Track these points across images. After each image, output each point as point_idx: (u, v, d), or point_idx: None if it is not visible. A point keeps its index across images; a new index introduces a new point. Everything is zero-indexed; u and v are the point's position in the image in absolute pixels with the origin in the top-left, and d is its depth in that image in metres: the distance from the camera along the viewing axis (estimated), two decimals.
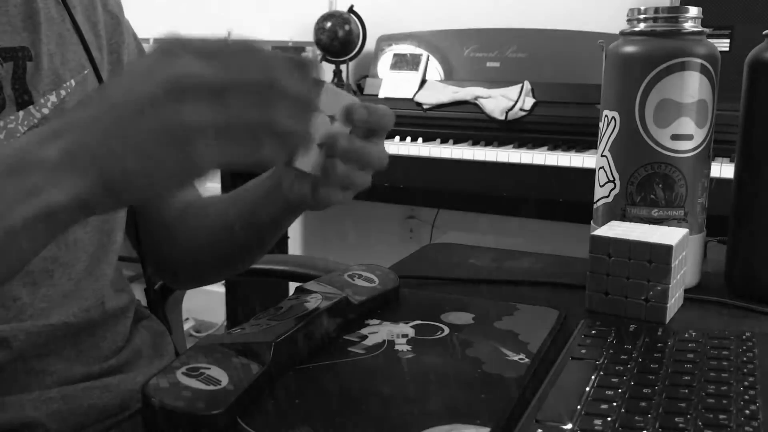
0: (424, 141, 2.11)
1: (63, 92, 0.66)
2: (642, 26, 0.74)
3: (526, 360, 0.57)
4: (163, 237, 0.81)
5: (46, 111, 0.64)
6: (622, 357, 0.55)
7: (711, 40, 0.74)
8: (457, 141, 2.09)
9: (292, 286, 0.72)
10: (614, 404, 0.47)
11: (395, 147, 2.10)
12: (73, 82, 0.67)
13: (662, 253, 0.65)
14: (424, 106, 2.17)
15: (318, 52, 2.57)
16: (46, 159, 0.44)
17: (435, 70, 2.37)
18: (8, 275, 0.50)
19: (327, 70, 2.60)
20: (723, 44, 1.91)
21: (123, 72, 0.47)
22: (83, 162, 0.44)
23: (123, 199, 0.51)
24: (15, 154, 0.45)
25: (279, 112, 0.46)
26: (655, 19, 0.73)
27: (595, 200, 0.79)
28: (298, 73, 0.47)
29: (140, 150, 0.44)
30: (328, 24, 2.49)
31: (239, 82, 0.45)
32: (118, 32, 0.75)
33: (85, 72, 0.69)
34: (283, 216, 0.70)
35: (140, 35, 0.81)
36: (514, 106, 2.02)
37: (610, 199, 0.76)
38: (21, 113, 0.62)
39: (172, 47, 0.45)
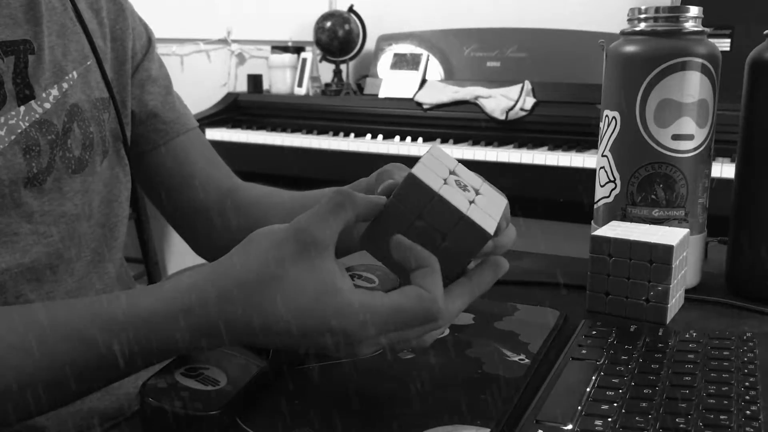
0: (424, 141, 2.10)
1: (65, 85, 0.65)
2: (643, 26, 0.74)
3: (527, 360, 0.57)
4: (199, 220, 0.81)
5: (47, 105, 0.63)
6: (623, 357, 0.55)
7: (712, 40, 0.74)
8: (457, 141, 2.09)
9: None
10: (615, 405, 0.47)
11: (395, 147, 2.11)
12: (75, 74, 0.66)
13: (663, 253, 0.65)
14: (424, 106, 2.17)
15: (318, 51, 2.57)
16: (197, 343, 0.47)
17: (435, 69, 2.37)
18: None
19: (327, 70, 2.60)
20: (724, 44, 1.91)
21: (295, 336, 0.46)
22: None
23: None
24: (167, 340, 0.47)
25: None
26: (655, 19, 0.73)
27: (595, 200, 0.79)
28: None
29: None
30: (328, 23, 2.49)
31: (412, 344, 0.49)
32: (122, 18, 0.74)
33: (88, 63, 0.68)
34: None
35: None
36: (514, 105, 2.02)
37: (610, 199, 0.76)
38: (22, 108, 0.61)
39: (356, 339, 0.45)
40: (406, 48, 2.43)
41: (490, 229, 0.47)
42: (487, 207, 0.49)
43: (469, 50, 2.33)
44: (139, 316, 0.46)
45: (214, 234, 0.80)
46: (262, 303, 0.45)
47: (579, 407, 0.47)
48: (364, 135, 2.19)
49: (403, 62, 2.34)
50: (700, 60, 0.72)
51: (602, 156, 0.77)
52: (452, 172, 0.50)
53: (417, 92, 2.22)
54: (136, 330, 0.46)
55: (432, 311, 0.46)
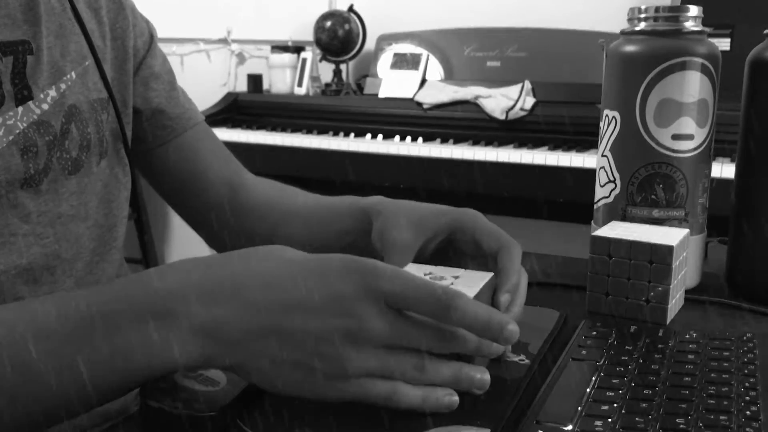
0: (424, 141, 2.10)
1: (63, 86, 0.65)
2: (643, 25, 0.74)
3: (527, 361, 0.57)
4: (210, 216, 0.82)
5: (45, 107, 0.63)
6: (623, 358, 0.55)
7: (712, 40, 0.74)
8: (457, 141, 2.09)
9: None
10: (615, 405, 0.47)
11: (395, 147, 2.10)
12: (73, 74, 0.66)
13: (663, 253, 0.65)
14: (424, 106, 2.17)
15: (318, 51, 2.57)
16: (194, 317, 0.44)
17: (435, 69, 2.37)
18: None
19: (327, 70, 2.60)
20: (724, 44, 1.91)
21: (309, 271, 0.45)
22: (225, 347, 0.44)
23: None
24: (166, 296, 0.45)
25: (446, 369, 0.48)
26: (655, 19, 0.73)
27: (595, 200, 0.78)
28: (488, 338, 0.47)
29: (286, 373, 0.45)
30: (328, 23, 2.49)
31: (416, 343, 0.46)
32: (122, 16, 0.73)
33: (87, 63, 0.68)
34: None
35: None
36: (514, 105, 2.02)
37: (610, 200, 0.76)
38: (20, 109, 0.61)
39: (370, 290, 0.44)
40: (406, 48, 2.43)
41: (470, 294, 0.51)
42: (465, 282, 0.54)
43: (469, 50, 2.33)
44: (125, 278, 0.48)
45: (226, 230, 0.81)
46: (264, 255, 0.47)
47: (579, 408, 0.47)
48: (364, 135, 2.19)
49: (403, 62, 2.34)
50: (700, 60, 0.72)
51: (602, 156, 0.77)
52: (427, 273, 0.56)
53: (417, 92, 2.22)
54: (122, 287, 0.47)
55: (447, 293, 0.45)
